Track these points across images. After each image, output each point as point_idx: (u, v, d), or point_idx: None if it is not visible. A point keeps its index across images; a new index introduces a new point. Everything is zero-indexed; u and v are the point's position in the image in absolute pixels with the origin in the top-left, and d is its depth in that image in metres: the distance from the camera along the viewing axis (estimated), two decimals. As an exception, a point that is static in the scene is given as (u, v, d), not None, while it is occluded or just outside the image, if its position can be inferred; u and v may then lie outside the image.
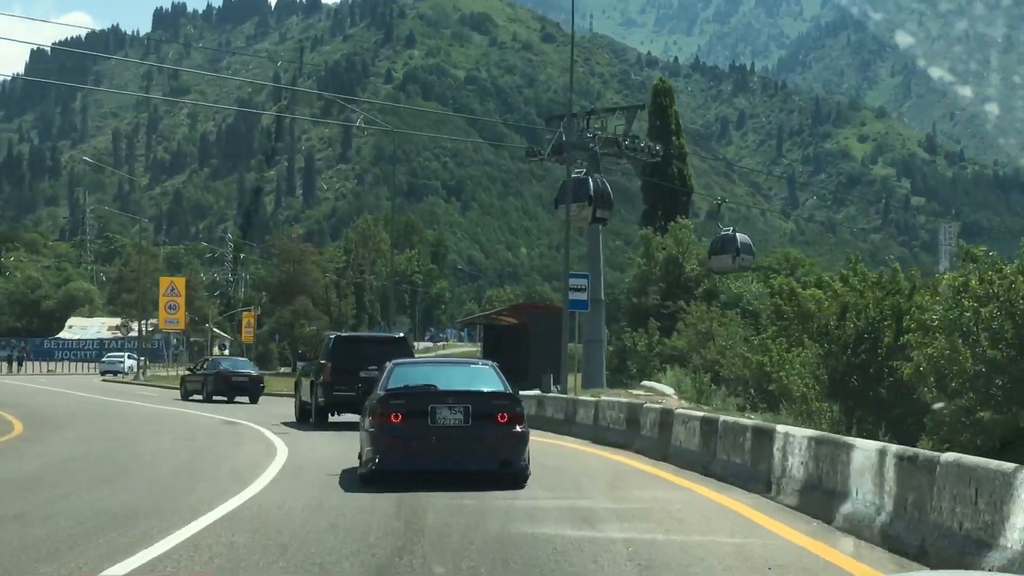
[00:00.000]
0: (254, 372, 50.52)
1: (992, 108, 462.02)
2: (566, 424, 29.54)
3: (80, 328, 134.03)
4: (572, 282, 38.93)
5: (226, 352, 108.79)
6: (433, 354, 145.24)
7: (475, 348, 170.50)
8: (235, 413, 38.75)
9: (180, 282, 60.59)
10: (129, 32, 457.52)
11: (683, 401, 40.09)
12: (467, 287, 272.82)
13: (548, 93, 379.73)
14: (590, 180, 51.22)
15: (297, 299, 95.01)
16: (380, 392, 15.76)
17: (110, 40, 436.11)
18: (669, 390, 46.27)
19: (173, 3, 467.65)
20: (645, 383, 50.92)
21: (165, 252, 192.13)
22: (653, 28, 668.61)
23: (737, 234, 58.59)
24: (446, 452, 15.15)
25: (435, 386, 15.77)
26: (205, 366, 52.20)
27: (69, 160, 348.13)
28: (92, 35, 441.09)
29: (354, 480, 15.99)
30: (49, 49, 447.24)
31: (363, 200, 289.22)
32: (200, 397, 48.42)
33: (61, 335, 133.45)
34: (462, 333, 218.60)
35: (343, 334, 39.20)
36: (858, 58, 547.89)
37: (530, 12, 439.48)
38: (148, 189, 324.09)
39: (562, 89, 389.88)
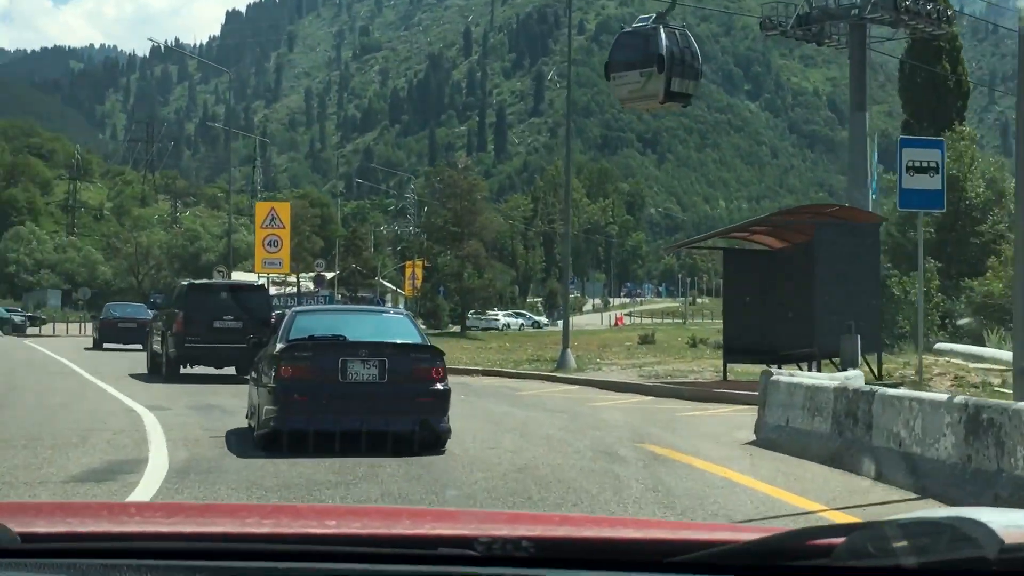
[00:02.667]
0: (144, 317, 43.18)
1: None
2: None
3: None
4: (911, 155, 20.15)
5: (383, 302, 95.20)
6: (626, 311, 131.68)
7: (676, 304, 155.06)
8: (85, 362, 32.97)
9: (283, 208, 42.69)
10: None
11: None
12: (665, 240, 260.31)
13: (746, 41, 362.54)
14: (660, 33, 30.79)
15: (466, 244, 77.94)
16: (281, 345, 13.41)
17: (303, 0, 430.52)
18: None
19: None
20: (942, 346, 32.63)
21: (350, 207, 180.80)
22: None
23: None
24: (359, 411, 12.88)
25: (344, 337, 13.65)
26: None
27: (263, 120, 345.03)
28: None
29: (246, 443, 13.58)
30: (244, 10, 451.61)
31: (556, 154, 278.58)
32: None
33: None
34: (660, 288, 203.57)
35: (196, 281, 35.96)
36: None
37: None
38: (339, 147, 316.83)
39: (759, 36, 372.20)
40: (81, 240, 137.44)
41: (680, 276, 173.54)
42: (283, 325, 14.30)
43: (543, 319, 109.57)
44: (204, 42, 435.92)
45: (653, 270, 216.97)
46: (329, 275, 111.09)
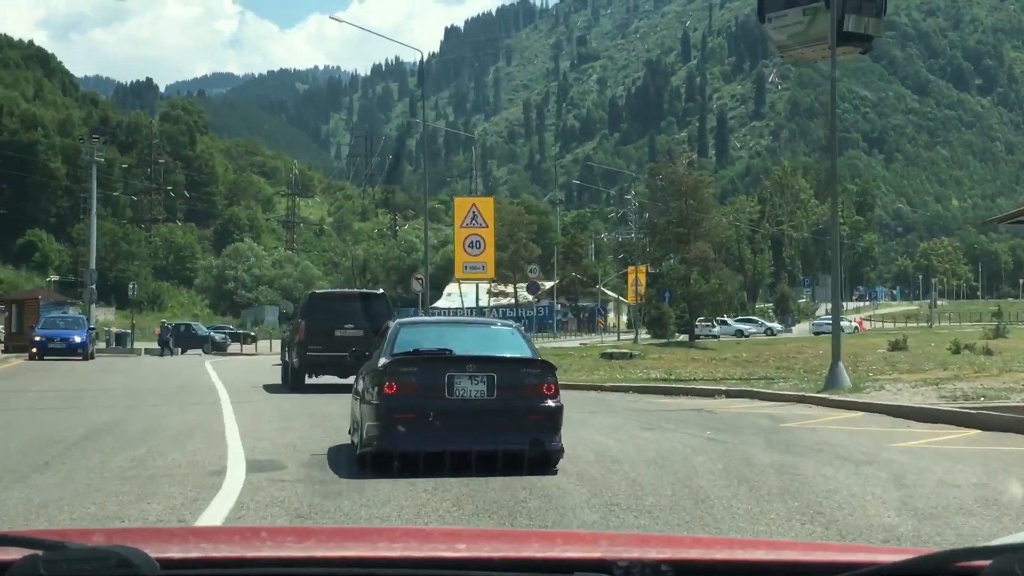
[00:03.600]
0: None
1: None
2: None
3: (459, 295, 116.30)
4: None
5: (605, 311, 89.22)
6: (863, 315, 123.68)
7: (914, 307, 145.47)
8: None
9: (486, 204, 36.04)
10: (538, 4, 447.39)
11: None
12: (897, 241, 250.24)
13: (976, 34, 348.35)
14: None
15: (693, 246, 71.22)
16: (384, 360, 12.24)
17: (519, 13, 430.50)
18: None
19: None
20: None
21: (570, 217, 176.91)
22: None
23: None
24: (466, 429, 11.76)
25: (450, 350, 12.37)
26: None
27: (482, 133, 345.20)
28: (504, 9, 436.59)
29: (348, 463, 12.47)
30: (462, 26, 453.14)
31: (779, 156, 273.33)
32: None
33: (438, 303, 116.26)
34: (893, 291, 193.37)
35: (318, 290, 36.92)
36: None
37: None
38: (558, 157, 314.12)
39: (989, 29, 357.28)
40: (299, 255, 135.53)
41: (916, 277, 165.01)
42: (387, 338, 13.08)
43: (776, 325, 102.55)
44: (423, 58, 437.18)
45: (885, 272, 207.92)
46: (548, 284, 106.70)
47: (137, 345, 64.32)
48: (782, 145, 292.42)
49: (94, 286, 65.56)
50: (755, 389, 23.15)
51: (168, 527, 7.74)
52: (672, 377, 28.64)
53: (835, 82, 24.54)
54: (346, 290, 41.84)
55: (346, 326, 25.46)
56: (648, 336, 75.67)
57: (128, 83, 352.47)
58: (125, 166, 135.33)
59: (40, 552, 1.86)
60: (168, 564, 1.87)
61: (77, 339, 42.53)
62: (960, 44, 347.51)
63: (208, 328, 74.22)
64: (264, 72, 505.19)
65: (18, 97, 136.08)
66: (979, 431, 15.64)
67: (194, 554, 2.04)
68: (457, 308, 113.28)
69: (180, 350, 63.83)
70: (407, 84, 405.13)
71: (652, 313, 76.54)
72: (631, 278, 71.87)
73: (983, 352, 44.37)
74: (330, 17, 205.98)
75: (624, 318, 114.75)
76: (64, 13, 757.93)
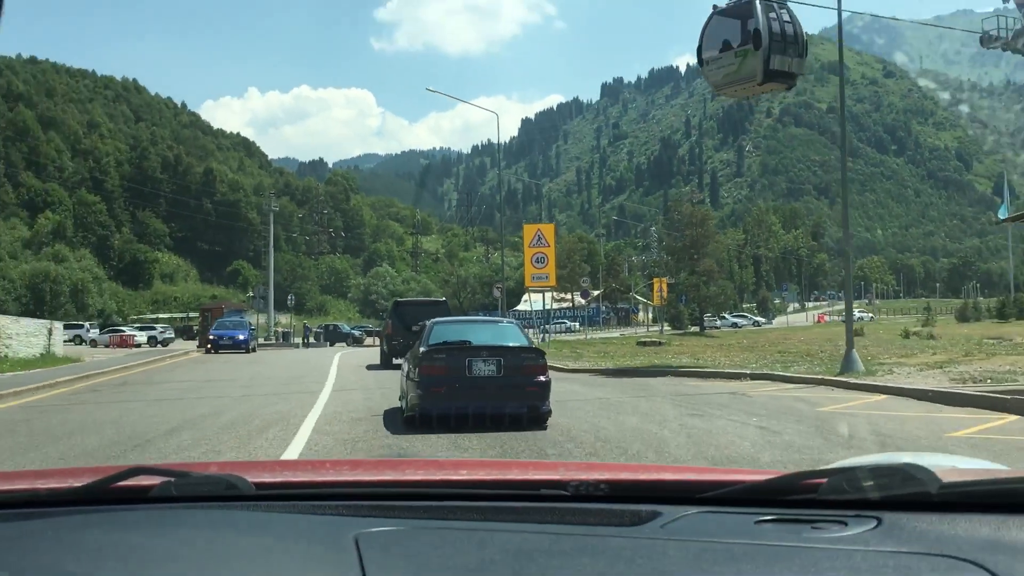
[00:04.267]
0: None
1: None
2: None
3: (535, 301, 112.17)
4: None
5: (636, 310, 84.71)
6: (822, 311, 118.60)
7: (856, 305, 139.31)
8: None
9: (548, 229, 32.36)
10: (584, 100, 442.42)
11: None
12: (840, 259, 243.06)
13: (891, 114, 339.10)
14: (756, 5, 18.71)
15: (702, 261, 66.23)
16: (423, 348, 11.64)
17: (572, 108, 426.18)
18: None
19: (614, 78, 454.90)
20: None
21: (609, 246, 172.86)
22: None
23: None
24: (482, 398, 11.04)
25: (469, 342, 11.76)
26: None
27: (548, 190, 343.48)
28: (561, 105, 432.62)
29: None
30: (533, 117, 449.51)
31: (753, 203, 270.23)
32: None
33: (517, 307, 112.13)
34: (839, 295, 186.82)
35: (400, 299, 32.37)
36: None
37: (873, 56, 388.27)
38: (601, 206, 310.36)
39: (901, 110, 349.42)
40: (421, 275, 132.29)
41: (859, 284, 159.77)
42: (425, 333, 12.28)
43: (761, 319, 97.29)
44: (507, 141, 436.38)
45: (833, 281, 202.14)
46: (595, 292, 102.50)
47: (297, 340, 61.28)
48: (756, 194, 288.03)
49: (262, 298, 63.55)
50: (775, 372, 18.45)
51: (263, 460, 7.45)
52: (698, 362, 24.11)
53: (843, 87, 19.87)
54: (419, 298, 39.70)
55: (419, 323, 23.43)
56: (669, 328, 70.81)
57: (307, 161, 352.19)
58: (300, 215, 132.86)
59: (172, 478, 1.85)
60: (261, 486, 1.87)
61: (240, 337, 38.41)
62: (881, 121, 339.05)
63: (351, 327, 70.58)
64: (399, 152, 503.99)
65: (227, 170, 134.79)
66: (1017, 416, 11.08)
67: (279, 478, 2.06)
68: (532, 310, 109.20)
69: (329, 343, 60.43)
70: (496, 158, 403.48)
71: (670, 311, 71.56)
72: (656, 287, 67.14)
73: (927, 337, 39.43)
74: (427, 89, 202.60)
75: (650, 315, 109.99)
76: (264, 115, 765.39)
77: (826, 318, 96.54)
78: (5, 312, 50.16)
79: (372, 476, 2.09)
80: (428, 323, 12.81)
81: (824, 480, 1.69)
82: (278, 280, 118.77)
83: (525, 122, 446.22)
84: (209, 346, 37.87)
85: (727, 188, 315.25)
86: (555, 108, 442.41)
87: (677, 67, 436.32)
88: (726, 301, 77.47)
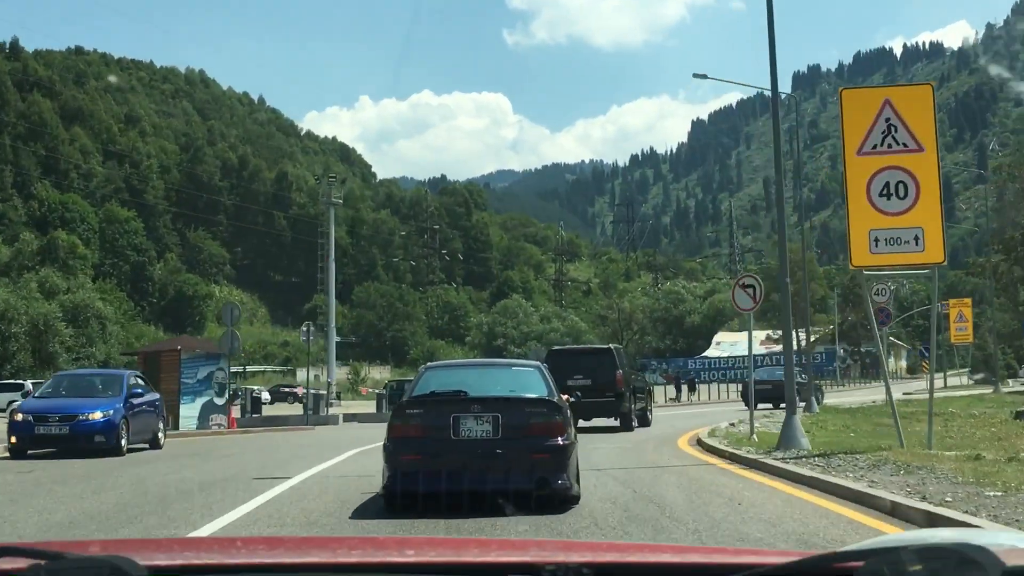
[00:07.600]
0: None
1: None
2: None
3: (728, 344, 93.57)
4: None
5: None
6: None
7: None
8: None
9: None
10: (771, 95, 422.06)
11: None
12: None
13: None
14: None
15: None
16: (402, 401, 10.83)
17: (756, 105, 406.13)
18: None
19: (808, 66, 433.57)
20: None
21: (827, 271, 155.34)
22: None
23: None
24: (471, 470, 9.81)
25: (465, 392, 10.45)
26: None
27: (727, 207, 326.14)
28: (741, 103, 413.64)
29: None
30: (706, 119, 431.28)
31: (1003, 215, 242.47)
32: None
33: (707, 353, 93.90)
34: None
35: (556, 347, 35.92)
36: None
37: None
38: (796, 225, 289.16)
39: None
40: (567, 310, 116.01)
41: None
42: (413, 381, 11.59)
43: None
44: (673, 149, 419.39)
45: None
46: (820, 328, 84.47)
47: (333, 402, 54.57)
48: (1008, 204, 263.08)
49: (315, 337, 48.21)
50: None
51: (158, 538, 7.28)
52: None
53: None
54: (579, 347, 38.53)
55: (575, 376, 24.61)
56: (971, 381, 51.95)
57: (425, 179, 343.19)
58: (403, 233, 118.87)
59: (43, 562, 1.75)
60: (155, 571, 1.77)
61: (91, 417, 21.06)
62: None
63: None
64: (539, 167, 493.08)
65: (308, 175, 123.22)
66: None
67: (178, 561, 1.97)
68: (726, 356, 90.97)
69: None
70: (660, 170, 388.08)
71: (976, 355, 52.48)
72: (953, 313, 48.43)
73: None
74: (694, 75, 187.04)
75: (903, 363, 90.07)
76: (377, 128, 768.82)
77: None
78: None
79: (293, 558, 2.02)
80: (421, 368, 12.08)
81: (861, 563, 1.62)
82: (371, 320, 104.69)
83: (696, 125, 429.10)
84: (13, 439, 20.33)
85: (965, 198, 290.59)
86: (735, 106, 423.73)
87: (891, 48, 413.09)
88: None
